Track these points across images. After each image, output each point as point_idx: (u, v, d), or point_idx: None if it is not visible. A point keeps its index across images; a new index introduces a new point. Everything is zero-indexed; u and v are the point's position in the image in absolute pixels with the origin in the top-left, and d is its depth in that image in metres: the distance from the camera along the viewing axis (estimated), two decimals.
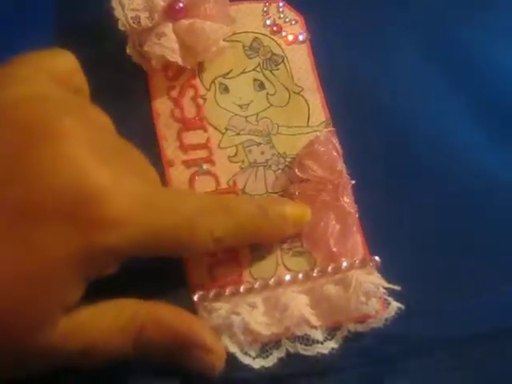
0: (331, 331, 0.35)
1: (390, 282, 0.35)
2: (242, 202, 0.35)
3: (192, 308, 0.34)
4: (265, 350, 0.34)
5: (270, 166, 0.38)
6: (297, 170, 0.37)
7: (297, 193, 0.37)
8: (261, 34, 0.40)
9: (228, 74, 0.39)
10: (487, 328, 0.37)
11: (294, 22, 0.41)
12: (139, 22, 0.37)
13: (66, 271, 0.27)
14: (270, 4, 0.41)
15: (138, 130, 0.37)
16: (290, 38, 0.40)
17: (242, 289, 0.35)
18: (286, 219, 0.35)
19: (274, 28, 0.40)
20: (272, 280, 0.35)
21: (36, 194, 0.27)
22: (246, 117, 0.39)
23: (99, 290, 0.30)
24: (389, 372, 0.36)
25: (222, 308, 0.34)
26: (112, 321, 0.30)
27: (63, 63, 0.33)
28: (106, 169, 0.28)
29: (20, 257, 0.26)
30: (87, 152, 0.28)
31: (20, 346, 0.28)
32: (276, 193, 0.37)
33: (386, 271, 0.36)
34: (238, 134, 0.38)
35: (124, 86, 0.38)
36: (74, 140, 0.28)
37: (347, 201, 0.37)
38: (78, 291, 0.28)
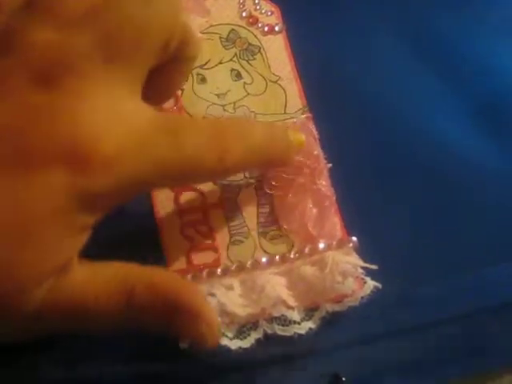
0: (308, 312, 0.35)
1: (368, 262, 0.35)
2: (252, 126, 0.34)
3: None
4: (242, 331, 0.34)
5: None
6: None
7: (274, 177, 0.37)
8: (237, 25, 0.41)
9: (205, 64, 0.40)
10: (465, 309, 0.37)
11: (269, 13, 0.41)
12: None
13: (55, 223, 0.25)
14: None
15: None
16: (266, 28, 0.41)
17: (218, 271, 0.35)
18: (291, 144, 0.35)
19: (250, 20, 0.41)
20: (249, 262, 0.35)
21: (28, 141, 0.25)
22: (223, 106, 0.39)
23: None
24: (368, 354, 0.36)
25: (198, 289, 0.34)
26: (104, 282, 0.29)
27: None
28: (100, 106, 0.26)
29: (3, 209, 0.25)
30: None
31: (6, 310, 0.26)
32: (253, 177, 0.38)
33: (364, 252, 0.36)
34: None
35: None
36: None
37: (324, 184, 0.37)
38: (73, 245, 0.27)
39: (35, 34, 0.26)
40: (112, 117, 0.27)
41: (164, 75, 0.31)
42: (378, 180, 0.39)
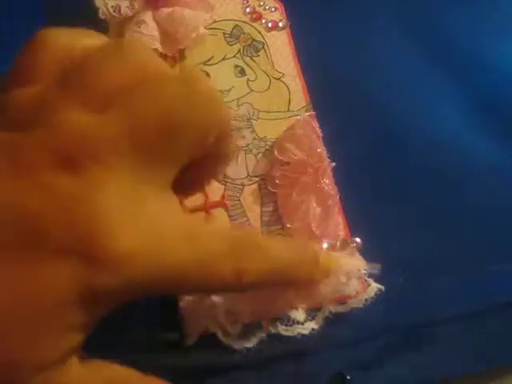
0: (312, 312, 0.35)
1: (371, 262, 0.35)
2: (277, 248, 0.31)
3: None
4: (246, 330, 0.34)
5: (250, 150, 0.38)
6: (277, 153, 0.37)
7: (277, 175, 0.37)
8: (241, 21, 0.41)
9: (209, 60, 0.40)
10: (468, 309, 0.37)
11: (273, 9, 0.41)
12: (120, 11, 0.37)
13: (57, 316, 0.24)
14: None
15: None
16: (270, 24, 0.41)
17: None
18: (318, 268, 0.34)
19: (254, 15, 0.41)
20: None
21: (44, 226, 0.23)
22: (226, 102, 0.39)
23: None
24: (370, 353, 0.36)
25: None
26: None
27: None
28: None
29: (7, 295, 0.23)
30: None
31: None
32: (257, 176, 0.38)
33: (367, 252, 0.36)
34: None
35: None
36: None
37: (328, 183, 0.37)
38: (70, 342, 0.25)
39: (65, 112, 0.24)
40: (133, 214, 0.25)
41: (195, 169, 0.29)
42: (382, 179, 0.39)
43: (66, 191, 0.24)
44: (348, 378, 0.35)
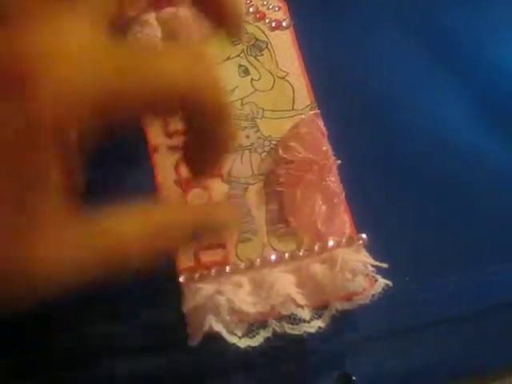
0: (318, 310, 0.35)
1: (377, 260, 0.35)
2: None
3: (178, 289, 0.34)
4: (251, 329, 0.34)
5: (255, 149, 0.38)
6: (281, 152, 0.37)
7: (282, 173, 0.37)
8: (244, 21, 0.41)
9: None
10: (470, 308, 0.37)
11: (277, 9, 0.41)
12: None
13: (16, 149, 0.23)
14: None
15: None
16: (274, 24, 0.41)
17: (227, 269, 0.34)
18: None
19: (258, 15, 0.41)
20: (258, 260, 0.35)
21: None
22: (230, 102, 0.39)
23: None
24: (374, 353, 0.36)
25: (207, 288, 0.34)
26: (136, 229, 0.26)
27: None
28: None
29: None
30: None
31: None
32: (262, 174, 0.37)
33: (373, 249, 0.36)
34: None
35: None
36: None
37: (333, 180, 0.37)
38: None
39: None
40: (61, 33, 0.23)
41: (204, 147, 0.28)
42: (387, 177, 0.39)
43: None
44: (354, 378, 0.35)
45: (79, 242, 0.25)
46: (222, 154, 0.28)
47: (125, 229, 0.25)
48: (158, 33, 0.38)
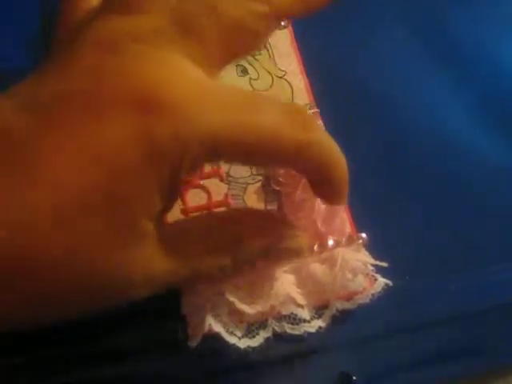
0: (318, 310, 0.34)
1: (377, 259, 0.35)
2: None
3: (177, 289, 0.34)
4: (251, 329, 0.34)
5: None
6: None
7: (282, 173, 0.37)
8: None
9: None
10: (470, 308, 0.37)
11: None
12: None
13: (137, 173, 0.24)
14: None
15: None
16: None
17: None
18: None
19: None
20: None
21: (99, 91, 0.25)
22: None
23: None
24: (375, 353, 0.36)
25: (206, 288, 0.33)
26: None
27: None
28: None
29: (84, 167, 0.24)
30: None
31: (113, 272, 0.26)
32: (261, 174, 0.37)
33: (374, 248, 0.36)
34: None
35: None
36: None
37: None
38: (162, 195, 0.26)
39: (102, 19, 0.27)
40: (178, 72, 0.26)
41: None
42: (388, 176, 0.39)
43: (112, 64, 0.25)
44: (354, 378, 0.34)
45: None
46: (342, 190, 0.31)
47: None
48: None
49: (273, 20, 0.29)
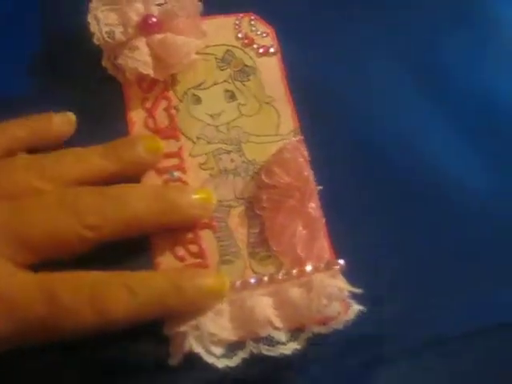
0: (294, 333, 0.35)
1: (355, 285, 0.36)
2: (152, 279, 0.34)
3: None
4: (230, 350, 0.35)
5: (239, 172, 0.39)
6: (264, 177, 0.38)
7: (264, 198, 0.38)
8: (233, 46, 0.42)
9: (200, 85, 0.41)
10: (452, 334, 0.38)
11: (264, 35, 0.42)
12: (113, 37, 0.39)
13: None
14: (241, 18, 0.43)
15: (114, 139, 0.38)
16: (261, 50, 0.42)
17: None
18: (203, 294, 0.34)
19: (246, 41, 0.42)
20: (238, 283, 0.36)
21: None
22: (217, 126, 0.40)
23: None
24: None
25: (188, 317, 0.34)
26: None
27: None
28: None
29: None
30: None
31: None
32: (244, 198, 0.39)
33: (351, 275, 0.37)
34: (209, 142, 0.40)
35: (101, 96, 0.40)
36: None
37: (314, 206, 0.38)
38: None
39: None
40: None
41: None
42: (369, 203, 0.40)
43: None
44: None
45: None
46: None
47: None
48: (148, 58, 0.39)
49: (95, 244, 0.33)
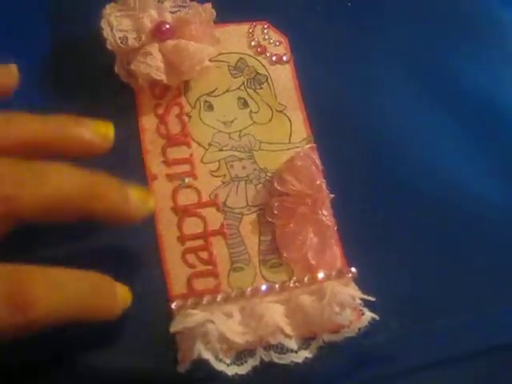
0: (306, 341, 0.35)
1: (366, 293, 0.36)
2: (71, 279, 0.31)
3: (170, 315, 0.35)
4: (239, 357, 0.34)
5: (251, 180, 0.39)
6: (276, 184, 0.38)
7: (276, 205, 0.38)
8: (246, 54, 0.42)
9: (213, 92, 0.41)
10: (462, 351, 0.37)
11: (277, 43, 0.42)
12: (127, 43, 0.38)
13: None
14: (255, 26, 0.43)
15: (125, 145, 0.38)
16: (274, 58, 0.42)
17: (219, 298, 0.35)
18: (116, 298, 0.32)
19: (259, 49, 0.42)
20: (249, 290, 0.36)
21: None
22: (229, 133, 0.40)
23: None
24: None
25: (198, 316, 0.34)
26: None
27: None
28: None
29: None
30: None
31: None
32: (256, 206, 0.38)
33: (363, 283, 0.36)
34: (221, 149, 0.39)
35: (113, 102, 0.40)
36: None
37: (326, 214, 0.38)
38: None
39: None
40: None
41: None
42: (380, 212, 0.40)
43: None
44: None
45: None
46: None
47: None
48: (161, 64, 0.39)
49: (9, 220, 0.30)
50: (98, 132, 0.34)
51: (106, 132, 0.34)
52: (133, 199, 0.33)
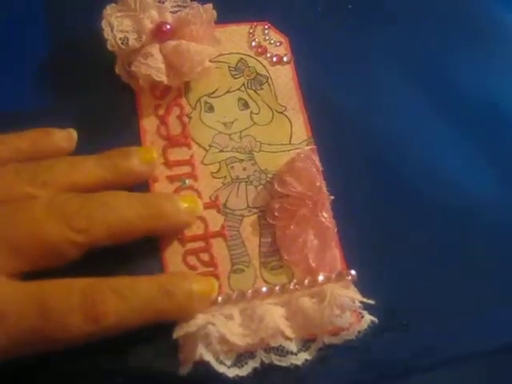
0: (305, 343, 0.35)
1: (366, 296, 0.36)
2: (140, 283, 0.33)
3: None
4: (240, 359, 0.35)
5: (251, 181, 0.39)
6: (276, 186, 0.38)
7: (276, 207, 0.38)
8: (246, 55, 0.42)
9: (213, 93, 0.41)
10: (461, 352, 0.38)
11: (278, 44, 0.42)
12: (127, 43, 0.38)
13: None
14: (255, 26, 0.43)
15: (126, 146, 0.38)
16: (275, 59, 0.42)
17: (219, 300, 0.35)
18: (193, 297, 0.34)
19: (259, 49, 0.42)
20: (249, 292, 0.36)
21: None
22: (229, 134, 0.40)
23: None
24: None
25: (199, 317, 0.34)
26: None
27: None
28: None
29: None
30: None
31: None
32: (257, 207, 0.38)
33: (363, 286, 0.37)
34: (222, 151, 0.40)
35: (113, 103, 0.40)
36: None
37: (326, 216, 0.38)
38: None
39: None
40: None
41: None
42: (380, 214, 0.40)
43: None
44: None
45: None
46: None
47: None
48: (161, 65, 0.39)
49: (85, 249, 0.33)
50: (144, 160, 0.37)
51: (151, 158, 0.37)
52: (184, 208, 0.36)
